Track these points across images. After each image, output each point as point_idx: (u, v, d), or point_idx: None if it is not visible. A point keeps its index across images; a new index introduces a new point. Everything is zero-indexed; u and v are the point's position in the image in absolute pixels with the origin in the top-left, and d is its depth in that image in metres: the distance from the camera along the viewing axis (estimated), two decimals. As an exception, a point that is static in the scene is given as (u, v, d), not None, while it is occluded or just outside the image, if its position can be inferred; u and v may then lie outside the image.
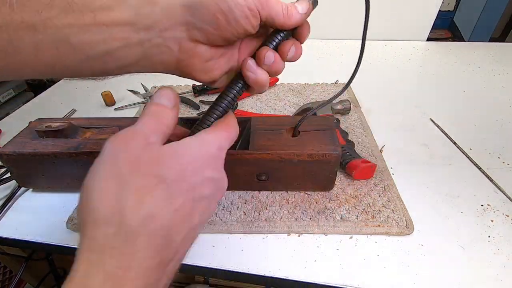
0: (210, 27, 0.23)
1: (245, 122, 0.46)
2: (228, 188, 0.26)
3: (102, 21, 0.21)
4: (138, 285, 0.17)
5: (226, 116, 0.27)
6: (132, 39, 0.22)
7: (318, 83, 0.76)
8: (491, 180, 0.48)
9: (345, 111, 0.62)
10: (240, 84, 0.28)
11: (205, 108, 0.68)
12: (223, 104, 0.27)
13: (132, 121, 0.48)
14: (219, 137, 0.24)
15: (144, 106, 0.24)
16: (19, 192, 0.49)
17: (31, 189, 0.49)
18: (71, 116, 0.69)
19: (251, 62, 0.26)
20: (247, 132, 0.44)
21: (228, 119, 0.26)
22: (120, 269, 0.17)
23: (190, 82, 0.76)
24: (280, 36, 0.27)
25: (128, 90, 0.75)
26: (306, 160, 0.40)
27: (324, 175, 0.42)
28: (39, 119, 0.48)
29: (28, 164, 0.43)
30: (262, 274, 0.37)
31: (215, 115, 0.27)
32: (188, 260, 0.38)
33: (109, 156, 0.19)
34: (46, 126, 0.43)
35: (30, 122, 0.47)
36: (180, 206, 0.20)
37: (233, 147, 0.48)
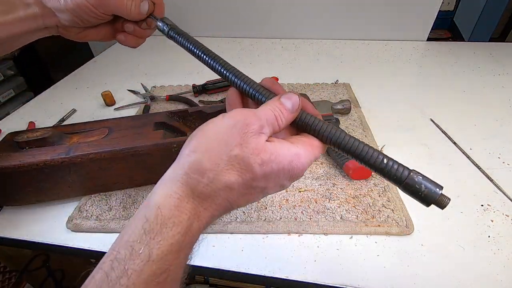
0: (72, 25, 0.33)
1: None
2: None
3: (3, 21, 0.31)
4: (204, 225, 0.22)
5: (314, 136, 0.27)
6: (27, 28, 0.33)
7: (318, 83, 0.76)
8: (491, 180, 0.48)
9: (345, 111, 0.62)
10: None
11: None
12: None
13: (115, 121, 0.48)
14: (309, 157, 0.25)
15: (268, 97, 0.27)
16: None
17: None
18: (71, 116, 0.69)
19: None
20: None
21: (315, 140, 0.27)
22: (201, 208, 0.22)
23: (190, 82, 0.76)
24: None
25: (128, 90, 0.75)
26: None
27: None
28: (11, 132, 0.46)
29: (12, 179, 0.41)
30: (262, 274, 0.37)
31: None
32: (188, 260, 0.38)
33: (231, 122, 0.23)
34: (27, 136, 0.42)
35: (5, 136, 0.45)
36: (250, 195, 0.24)
37: None
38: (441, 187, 0.23)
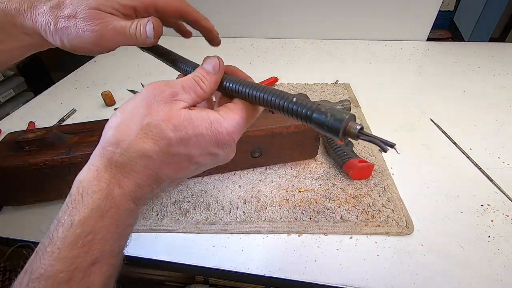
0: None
1: None
2: (225, 170, 0.31)
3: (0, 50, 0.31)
4: (127, 204, 0.22)
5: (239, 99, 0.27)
6: (27, 52, 0.33)
7: (318, 83, 0.76)
8: (491, 180, 0.48)
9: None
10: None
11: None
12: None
13: None
14: (234, 120, 0.25)
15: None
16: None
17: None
18: (71, 116, 0.69)
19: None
20: None
21: (243, 103, 0.26)
22: (120, 176, 0.22)
23: (190, 82, 0.76)
24: None
25: (128, 90, 0.75)
26: (294, 131, 0.44)
27: (309, 143, 0.46)
28: (11, 132, 0.46)
29: (12, 179, 0.41)
30: (262, 274, 0.37)
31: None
32: (188, 260, 0.38)
33: (142, 94, 0.23)
34: (27, 136, 0.41)
35: (5, 136, 0.45)
36: (176, 164, 0.23)
37: None
38: (351, 116, 0.20)
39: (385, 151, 0.21)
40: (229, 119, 0.24)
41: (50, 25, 0.29)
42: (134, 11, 0.30)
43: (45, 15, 0.29)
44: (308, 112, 0.21)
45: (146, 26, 0.29)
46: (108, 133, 0.23)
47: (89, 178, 0.22)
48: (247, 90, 0.25)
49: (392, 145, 0.21)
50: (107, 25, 0.29)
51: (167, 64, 0.33)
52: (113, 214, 0.21)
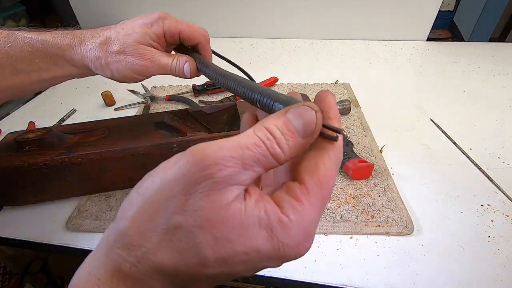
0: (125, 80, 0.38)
1: (231, 108, 0.50)
2: None
3: (44, 78, 0.35)
4: None
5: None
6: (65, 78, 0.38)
7: (318, 83, 0.76)
8: (491, 180, 0.48)
9: (345, 111, 0.62)
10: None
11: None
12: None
13: (115, 121, 0.48)
14: (307, 219, 0.15)
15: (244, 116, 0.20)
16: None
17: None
18: (71, 116, 0.69)
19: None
20: (235, 117, 0.47)
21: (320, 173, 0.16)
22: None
23: (190, 82, 0.76)
24: None
25: (128, 90, 0.75)
26: None
27: None
28: (11, 132, 0.46)
29: (12, 179, 0.41)
30: (262, 274, 0.37)
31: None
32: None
33: (175, 167, 0.15)
34: (27, 136, 0.41)
35: (5, 136, 0.45)
36: (206, 283, 0.16)
37: (222, 130, 0.50)
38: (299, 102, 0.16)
39: (335, 140, 0.16)
40: (300, 219, 0.15)
41: (101, 60, 0.34)
42: (163, 35, 0.35)
43: (94, 50, 0.34)
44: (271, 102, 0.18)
45: (184, 66, 0.35)
46: (120, 223, 0.15)
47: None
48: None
49: (338, 131, 0.16)
50: (152, 60, 0.35)
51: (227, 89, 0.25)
52: None
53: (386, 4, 0.95)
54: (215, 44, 1.15)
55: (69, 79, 0.38)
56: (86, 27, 0.35)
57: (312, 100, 0.18)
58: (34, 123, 0.66)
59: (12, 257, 0.62)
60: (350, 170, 0.46)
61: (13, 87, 0.34)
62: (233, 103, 0.50)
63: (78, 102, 0.74)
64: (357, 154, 0.51)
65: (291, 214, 0.15)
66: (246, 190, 0.15)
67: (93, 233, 0.42)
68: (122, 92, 0.75)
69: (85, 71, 0.36)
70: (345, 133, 0.56)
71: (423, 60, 0.90)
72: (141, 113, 0.67)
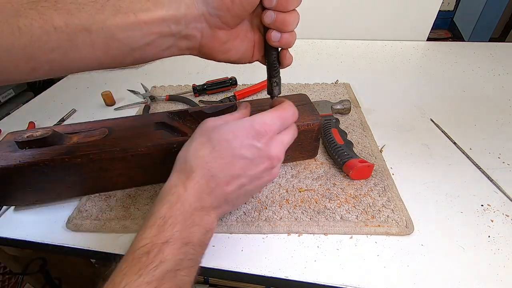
0: (221, 11, 0.28)
1: (230, 108, 0.50)
2: None
3: (143, 20, 0.27)
4: (193, 202, 0.29)
5: (281, 101, 0.35)
6: (166, 32, 0.28)
7: (318, 83, 0.76)
8: (491, 180, 0.48)
9: (345, 111, 0.62)
10: (273, 55, 0.35)
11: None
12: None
13: (115, 121, 0.48)
14: (265, 117, 0.32)
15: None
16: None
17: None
18: (71, 116, 0.69)
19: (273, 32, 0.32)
20: None
21: (280, 104, 0.35)
22: (183, 188, 0.29)
23: (190, 82, 0.76)
24: None
25: (128, 90, 0.75)
26: None
27: (309, 143, 0.46)
28: (11, 132, 0.46)
29: (11, 179, 0.41)
30: (262, 274, 0.37)
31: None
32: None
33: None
34: (27, 136, 0.41)
35: (5, 136, 0.45)
36: (220, 157, 0.30)
37: None
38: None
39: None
40: (262, 114, 0.31)
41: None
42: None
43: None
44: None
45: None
46: (209, 165, 0.31)
47: (171, 184, 0.30)
48: None
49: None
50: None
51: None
52: (179, 206, 0.28)
53: (386, 4, 0.95)
54: (215, 44, 1.12)
55: (169, 34, 0.29)
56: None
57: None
58: (34, 123, 0.66)
59: (12, 257, 0.63)
60: (350, 170, 0.46)
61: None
62: (233, 103, 0.50)
63: (78, 102, 0.74)
64: (357, 154, 0.51)
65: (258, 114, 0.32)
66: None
67: (93, 233, 0.42)
68: (122, 92, 0.75)
69: (185, 9, 0.28)
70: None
71: (423, 60, 0.90)
72: (141, 113, 0.67)
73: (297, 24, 0.31)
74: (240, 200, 0.34)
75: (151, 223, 0.27)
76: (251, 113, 0.45)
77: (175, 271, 0.25)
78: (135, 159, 0.43)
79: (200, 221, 0.29)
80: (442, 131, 0.59)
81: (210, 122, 0.33)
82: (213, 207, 0.30)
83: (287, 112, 0.33)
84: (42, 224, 0.44)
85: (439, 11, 0.96)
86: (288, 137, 0.34)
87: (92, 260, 0.95)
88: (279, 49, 0.35)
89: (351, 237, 0.40)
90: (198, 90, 0.72)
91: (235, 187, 0.31)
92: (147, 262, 0.24)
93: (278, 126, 0.32)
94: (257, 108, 0.47)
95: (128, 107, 0.71)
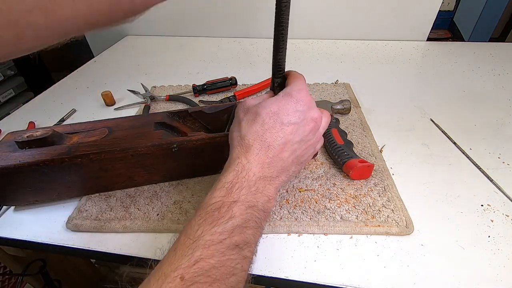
0: None
1: (230, 108, 0.49)
2: None
3: None
4: (256, 171, 0.32)
5: (288, 73, 0.39)
6: None
7: (318, 83, 0.76)
8: (491, 180, 0.48)
9: (345, 111, 0.62)
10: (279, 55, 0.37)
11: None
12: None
13: (115, 121, 0.48)
14: (294, 85, 0.36)
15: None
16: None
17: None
18: (71, 116, 0.69)
19: None
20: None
21: (292, 74, 0.38)
22: (246, 159, 0.33)
23: (190, 82, 0.76)
24: None
25: (128, 90, 0.75)
26: None
27: None
28: (11, 132, 0.46)
29: (11, 178, 0.41)
30: (262, 274, 0.37)
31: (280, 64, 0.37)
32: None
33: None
34: (27, 136, 0.41)
35: (4, 136, 0.45)
36: (271, 127, 0.33)
37: (222, 130, 0.50)
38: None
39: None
40: (290, 85, 0.36)
41: None
42: None
43: None
44: None
45: None
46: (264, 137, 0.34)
47: (234, 157, 0.33)
48: None
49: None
50: None
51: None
52: (244, 174, 0.31)
53: (386, 4, 0.95)
54: (215, 44, 1.16)
55: None
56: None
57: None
58: (34, 123, 0.66)
59: (12, 257, 0.63)
60: (350, 170, 0.46)
61: None
62: (233, 103, 0.50)
63: (78, 102, 0.74)
64: (357, 154, 0.51)
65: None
66: None
67: (93, 233, 0.42)
68: (122, 92, 0.75)
69: None
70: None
71: (423, 60, 0.90)
72: (141, 113, 0.67)
73: None
74: (294, 168, 0.36)
75: (219, 186, 0.30)
76: None
77: (243, 228, 0.28)
78: (135, 159, 0.43)
79: (263, 189, 0.32)
80: (442, 131, 0.59)
81: (250, 101, 0.37)
82: (273, 177, 0.34)
83: (302, 76, 0.38)
84: (42, 224, 0.44)
85: (439, 11, 0.96)
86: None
87: (92, 260, 0.95)
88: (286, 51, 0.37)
89: (351, 237, 0.40)
90: (198, 90, 0.72)
91: (289, 153, 0.34)
92: (218, 216, 0.28)
93: (305, 86, 0.36)
94: None
95: (128, 107, 0.71)
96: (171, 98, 0.72)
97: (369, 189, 0.46)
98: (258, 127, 0.33)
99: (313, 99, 0.36)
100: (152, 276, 0.25)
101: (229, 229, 0.28)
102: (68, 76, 0.87)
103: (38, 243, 0.42)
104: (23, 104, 0.75)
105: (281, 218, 0.42)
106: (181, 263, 0.25)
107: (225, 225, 0.28)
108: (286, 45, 0.36)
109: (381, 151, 0.54)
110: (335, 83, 0.76)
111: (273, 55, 0.37)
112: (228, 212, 0.28)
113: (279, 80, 0.38)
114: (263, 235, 0.41)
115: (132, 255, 0.39)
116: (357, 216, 0.42)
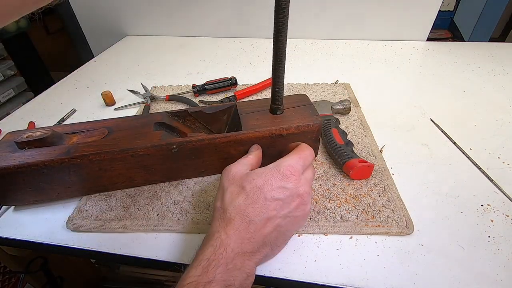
0: None
1: (230, 108, 0.49)
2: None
3: None
4: (235, 247, 0.31)
5: (297, 144, 0.41)
6: None
7: (318, 83, 0.76)
8: (491, 180, 0.48)
9: (345, 111, 0.62)
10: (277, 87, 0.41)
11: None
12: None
13: (115, 121, 0.48)
14: (289, 160, 0.36)
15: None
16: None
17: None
18: (71, 116, 0.69)
19: None
20: (235, 117, 0.47)
21: (298, 147, 0.40)
22: (225, 234, 0.31)
23: (190, 82, 0.76)
24: None
25: (128, 90, 0.75)
26: (294, 132, 0.43)
27: (309, 144, 0.46)
28: (11, 132, 0.45)
29: (11, 179, 0.40)
30: (262, 274, 0.37)
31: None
32: (189, 260, 0.38)
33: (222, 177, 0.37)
34: (27, 136, 0.41)
35: (4, 136, 0.44)
36: (254, 202, 0.33)
37: (221, 130, 0.50)
38: None
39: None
40: (285, 159, 0.36)
41: None
42: None
43: None
44: None
45: None
46: (245, 212, 0.34)
47: (213, 231, 0.33)
48: None
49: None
50: None
51: None
52: (221, 251, 0.30)
53: (386, 4, 0.95)
54: (215, 44, 1.16)
55: None
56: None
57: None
58: (34, 123, 0.66)
59: (13, 257, 0.63)
60: (350, 170, 0.46)
61: None
62: (233, 103, 0.50)
63: (78, 102, 0.74)
64: (357, 154, 0.51)
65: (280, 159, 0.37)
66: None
67: (93, 233, 0.42)
68: (122, 92, 0.75)
69: None
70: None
71: (423, 60, 0.90)
72: (141, 113, 0.67)
73: None
74: (279, 241, 0.36)
75: (196, 264, 0.29)
76: (250, 115, 0.45)
77: None
78: (135, 159, 0.43)
79: (241, 266, 0.31)
80: (442, 131, 0.59)
81: (234, 169, 0.36)
82: (253, 252, 0.32)
83: (306, 153, 0.38)
84: (42, 224, 0.44)
85: (439, 11, 0.96)
86: (310, 174, 0.38)
87: (92, 260, 0.95)
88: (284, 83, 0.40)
89: (351, 237, 0.40)
90: (198, 90, 0.72)
91: (272, 228, 0.33)
92: None
93: (301, 166, 0.36)
94: (257, 108, 0.47)
95: (128, 107, 0.71)
96: (171, 98, 0.72)
97: (369, 189, 0.46)
98: (241, 201, 0.33)
99: (307, 179, 0.37)
100: None
101: None
102: (68, 76, 0.87)
103: (38, 243, 0.42)
104: (23, 104, 0.75)
105: (281, 218, 0.42)
106: None
107: None
108: (283, 72, 0.38)
109: (381, 151, 0.54)
110: (335, 83, 0.76)
111: (272, 84, 0.39)
112: None
113: (278, 106, 0.42)
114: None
115: (132, 255, 0.39)
116: (357, 216, 0.42)
